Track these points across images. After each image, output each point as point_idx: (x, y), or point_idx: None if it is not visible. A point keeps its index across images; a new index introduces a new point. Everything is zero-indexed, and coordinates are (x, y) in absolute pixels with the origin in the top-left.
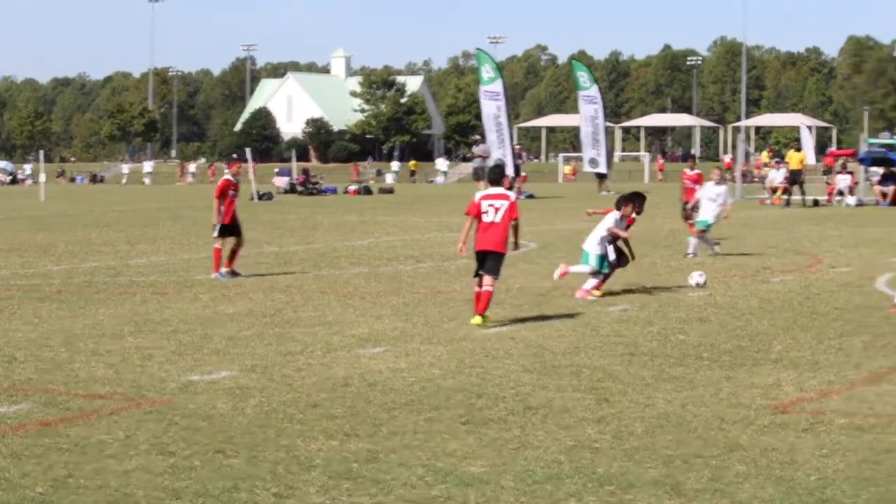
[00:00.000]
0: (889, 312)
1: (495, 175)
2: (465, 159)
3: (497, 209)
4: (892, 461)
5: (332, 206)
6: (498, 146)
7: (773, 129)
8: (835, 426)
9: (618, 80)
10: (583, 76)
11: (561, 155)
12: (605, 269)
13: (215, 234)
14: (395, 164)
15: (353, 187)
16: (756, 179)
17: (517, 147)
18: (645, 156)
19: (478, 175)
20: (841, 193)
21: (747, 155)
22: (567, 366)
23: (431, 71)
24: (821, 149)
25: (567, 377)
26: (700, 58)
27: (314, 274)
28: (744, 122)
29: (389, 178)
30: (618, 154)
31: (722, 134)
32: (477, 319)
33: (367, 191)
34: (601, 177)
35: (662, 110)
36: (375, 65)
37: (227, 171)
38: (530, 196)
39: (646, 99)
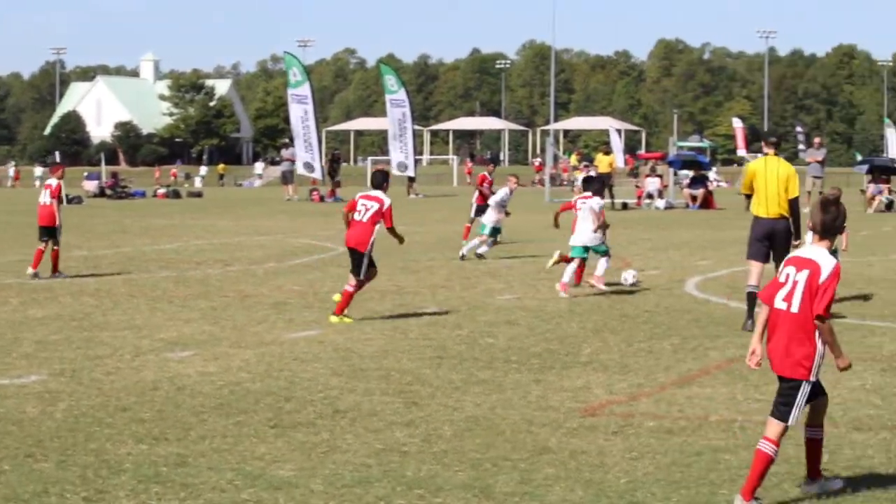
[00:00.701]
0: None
1: (378, 179)
2: (274, 162)
3: (368, 209)
4: (701, 464)
5: (141, 209)
6: (306, 149)
7: (583, 133)
8: (644, 429)
9: (426, 83)
10: (390, 80)
11: (369, 158)
12: (584, 256)
13: (61, 236)
14: (203, 168)
15: (161, 191)
16: (564, 183)
17: (336, 152)
18: (453, 159)
19: (286, 178)
20: (650, 196)
21: (556, 158)
22: (375, 369)
23: (240, 74)
24: (630, 152)
25: (375, 381)
26: (509, 61)
27: (123, 278)
28: (552, 126)
29: (198, 182)
30: (426, 157)
31: (531, 137)
32: (334, 319)
33: (176, 194)
34: (410, 180)
35: (471, 113)
36: (184, 68)
37: (52, 175)
38: (339, 200)
39: (454, 102)
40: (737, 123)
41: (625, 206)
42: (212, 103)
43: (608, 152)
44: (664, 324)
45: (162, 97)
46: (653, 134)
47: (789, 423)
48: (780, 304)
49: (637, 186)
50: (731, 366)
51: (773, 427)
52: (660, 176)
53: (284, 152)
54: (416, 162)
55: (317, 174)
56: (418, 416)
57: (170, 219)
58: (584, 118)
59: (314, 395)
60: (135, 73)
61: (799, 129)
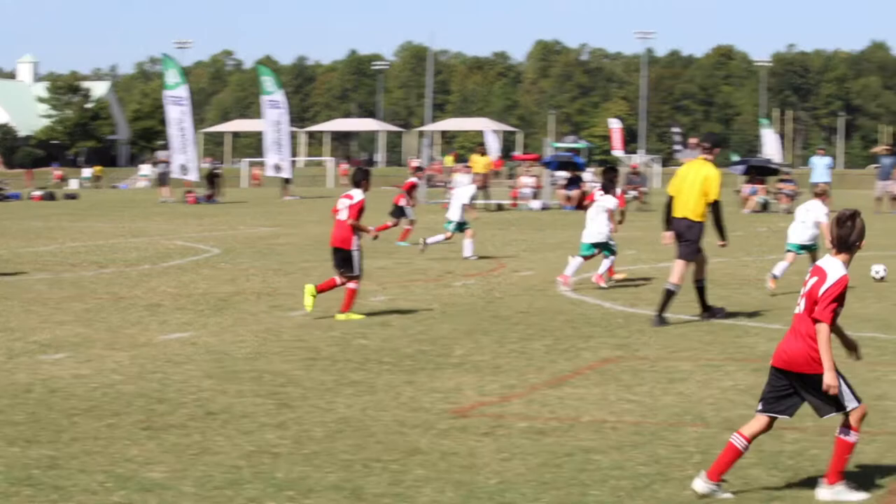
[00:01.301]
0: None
1: (357, 177)
2: (154, 164)
3: (343, 208)
4: (572, 464)
5: (17, 211)
6: (181, 151)
7: (459, 134)
8: (515, 430)
9: (303, 84)
10: (268, 81)
11: (245, 160)
12: (608, 252)
13: None
14: (86, 171)
15: (37, 193)
16: (439, 183)
17: (217, 170)
18: (329, 161)
19: (162, 180)
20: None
21: (431, 159)
22: (248, 371)
23: (118, 76)
24: (506, 153)
25: (248, 382)
26: (386, 62)
27: None
28: (429, 127)
29: (74, 184)
30: (302, 158)
31: (406, 138)
32: (340, 316)
33: (52, 196)
34: (286, 181)
35: (348, 115)
36: (62, 70)
37: None
38: (215, 202)
39: (331, 104)
40: (613, 124)
41: (500, 207)
42: (88, 105)
43: (484, 153)
44: (537, 325)
45: (40, 99)
46: (529, 135)
47: (853, 405)
48: (797, 308)
49: (511, 187)
50: (604, 366)
51: (853, 416)
52: (535, 177)
53: (161, 154)
54: (292, 163)
55: (192, 176)
56: (290, 418)
57: (46, 221)
58: (460, 119)
59: (186, 397)
60: (11, 76)
61: (675, 129)
